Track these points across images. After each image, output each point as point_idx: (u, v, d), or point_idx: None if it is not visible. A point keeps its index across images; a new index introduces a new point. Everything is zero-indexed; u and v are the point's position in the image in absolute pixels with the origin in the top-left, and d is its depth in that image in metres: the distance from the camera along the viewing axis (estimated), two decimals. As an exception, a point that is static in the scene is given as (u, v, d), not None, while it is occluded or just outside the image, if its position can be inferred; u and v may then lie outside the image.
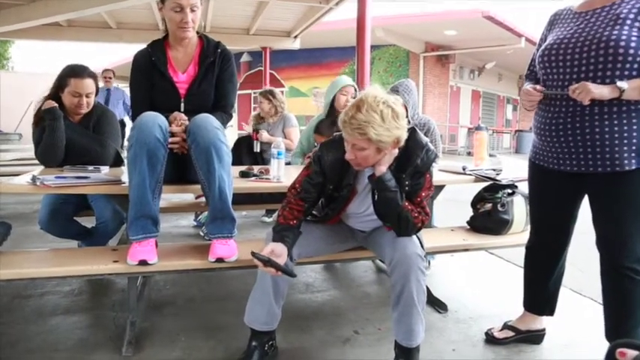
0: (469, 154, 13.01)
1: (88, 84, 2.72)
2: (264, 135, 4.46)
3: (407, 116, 3.30)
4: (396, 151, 1.86)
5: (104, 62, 17.69)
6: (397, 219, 1.88)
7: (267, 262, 1.78)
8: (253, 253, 1.79)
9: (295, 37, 8.87)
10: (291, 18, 8.05)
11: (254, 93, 15.66)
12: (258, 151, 4.42)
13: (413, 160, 1.88)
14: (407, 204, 1.89)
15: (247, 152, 4.50)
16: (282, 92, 5.00)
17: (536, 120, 2.10)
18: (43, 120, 2.64)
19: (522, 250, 2.34)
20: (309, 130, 3.55)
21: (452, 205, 3.95)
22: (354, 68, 5.31)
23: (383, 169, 1.84)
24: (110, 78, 7.40)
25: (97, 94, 2.83)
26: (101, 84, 4.87)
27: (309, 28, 8.22)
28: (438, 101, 15.81)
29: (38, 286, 2.86)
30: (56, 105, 2.63)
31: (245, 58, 16.67)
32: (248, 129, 4.86)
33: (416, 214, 1.90)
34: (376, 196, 1.88)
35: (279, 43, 9.17)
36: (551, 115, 1.98)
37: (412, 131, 1.88)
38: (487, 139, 3.20)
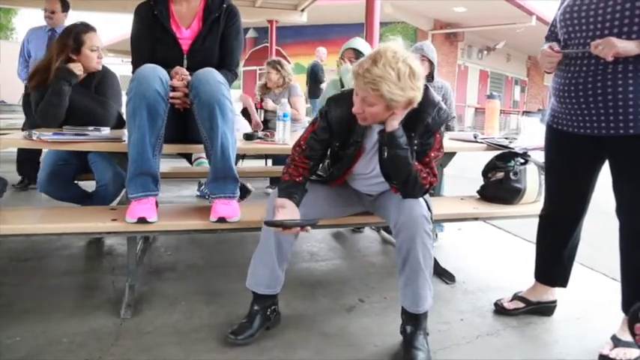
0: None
1: (99, 37, 2.67)
2: (270, 103, 4.38)
3: (433, 73, 3.25)
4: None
5: (110, 36, 17.51)
6: (405, 179, 1.79)
7: (282, 226, 1.71)
8: (267, 222, 1.73)
9: (302, 10, 8.66)
10: (297, -11, 7.88)
11: (259, 69, 15.48)
12: (263, 119, 4.34)
13: (423, 118, 1.78)
14: (416, 164, 1.79)
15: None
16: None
17: (554, 82, 2.00)
18: (42, 84, 2.55)
19: (530, 225, 2.26)
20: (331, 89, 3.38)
21: (460, 181, 3.88)
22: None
23: (395, 124, 1.73)
24: (53, 13, 4.32)
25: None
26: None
27: (316, 1, 8.02)
28: (445, 80, 15.57)
29: (37, 250, 2.80)
30: (78, 74, 2.56)
31: (251, 34, 16.44)
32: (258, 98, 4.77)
33: (424, 175, 1.81)
34: (385, 154, 1.78)
35: (286, 16, 8.95)
36: (571, 76, 1.88)
37: (424, 89, 1.77)
38: (499, 108, 3.11)
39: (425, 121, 1.79)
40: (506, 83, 19.46)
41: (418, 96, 1.70)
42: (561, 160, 2.05)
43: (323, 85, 8.59)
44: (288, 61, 4.79)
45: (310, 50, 15.97)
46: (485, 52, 17.06)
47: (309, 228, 1.77)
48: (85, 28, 2.66)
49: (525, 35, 14.16)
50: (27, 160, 4.40)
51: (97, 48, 2.65)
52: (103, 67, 2.81)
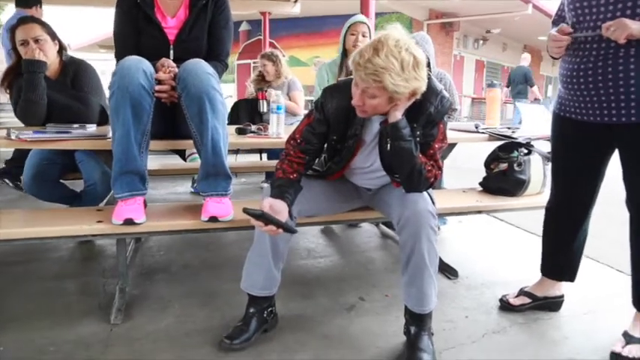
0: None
1: (32, 27, 2.49)
2: (274, 93, 4.25)
3: (428, 65, 3.06)
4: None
5: (101, 31, 17.34)
6: (410, 172, 1.69)
7: (261, 217, 1.60)
8: (245, 210, 1.60)
9: (295, 1, 8.51)
10: (290, -20, 7.75)
11: (253, 63, 15.30)
12: (265, 111, 4.20)
13: (426, 108, 1.68)
14: (420, 156, 1.70)
15: (246, 116, 4.30)
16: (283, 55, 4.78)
17: (562, 68, 1.90)
18: (14, 82, 2.48)
19: (534, 218, 2.17)
20: (322, 74, 3.17)
21: (455, 172, 3.79)
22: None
23: (398, 114, 1.63)
24: None
25: (62, 49, 2.63)
26: None
27: (309, -9, 7.91)
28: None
29: (24, 253, 2.70)
30: (43, 60, 2.43)
31: (244, 27, 16.28)
32: (250, 90, 4.65)
33: (429, 168, 1.71)
34: (388, 146, 1.68)
35: (279, 7, 8.79)
36: (579, 61, 1.78)
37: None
38: (500, 97, 3.01)
39: (427, 111, 1.68)
40: (502, 73, 19.35)
41: (422, 86, 1.59)
42: (569, 149, 1.96)
43: (535, 88, 10.15)
44: (282, 54, 4.69)
45: (304, 43, 15.88)
46: (481, 41, 16.94)
47: (280, 230, 1.65)
48: (16, 23, 2.54)
49: (521, 24, 14.04)
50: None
51: (26, 41, 2.47)
52: (76, 59, 2.70)
